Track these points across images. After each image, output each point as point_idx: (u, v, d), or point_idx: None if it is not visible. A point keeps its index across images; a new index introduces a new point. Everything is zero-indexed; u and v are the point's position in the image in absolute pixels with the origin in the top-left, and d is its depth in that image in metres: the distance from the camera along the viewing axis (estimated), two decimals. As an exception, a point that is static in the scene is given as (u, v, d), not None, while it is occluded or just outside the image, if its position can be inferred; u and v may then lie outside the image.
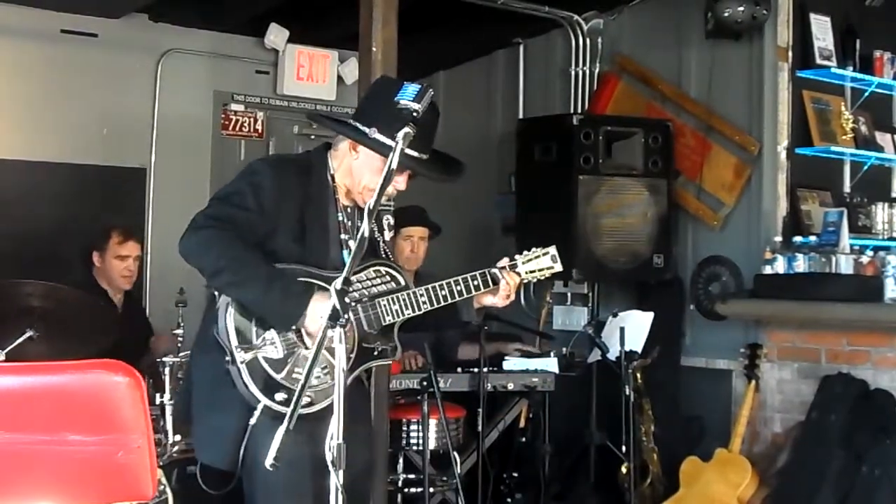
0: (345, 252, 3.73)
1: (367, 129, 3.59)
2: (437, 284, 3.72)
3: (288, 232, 3.64)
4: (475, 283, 3.73)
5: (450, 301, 3.73)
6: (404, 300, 3.71)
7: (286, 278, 3.56)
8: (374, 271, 3.75)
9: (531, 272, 3.84)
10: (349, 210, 3.80)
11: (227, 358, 3.54)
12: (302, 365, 3.48)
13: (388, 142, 3.47)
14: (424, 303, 3.72)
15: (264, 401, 3.49)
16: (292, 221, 3.64)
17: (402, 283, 3.78)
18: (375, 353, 3.76)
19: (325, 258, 3.69)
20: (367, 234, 2.89)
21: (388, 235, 3.91)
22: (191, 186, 7.41)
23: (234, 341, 3.54)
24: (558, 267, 3.88)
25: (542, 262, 3.85)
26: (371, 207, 2.95)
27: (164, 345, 5.85)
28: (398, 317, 3.72)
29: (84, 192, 6.90)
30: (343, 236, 3.76)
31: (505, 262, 3.81)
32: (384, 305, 3.71)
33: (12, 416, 2.70)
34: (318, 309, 3.46)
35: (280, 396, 3.51)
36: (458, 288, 3.72)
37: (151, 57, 7.34)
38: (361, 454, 3.76)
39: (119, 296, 6.08)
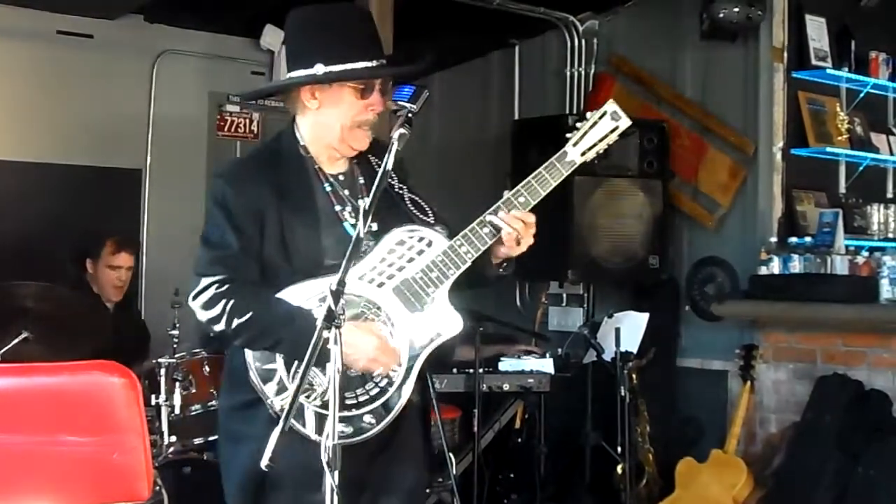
0: (346, 224, 3.25)
1: (310, 71, 3.26)
2: (470, 227, 3.21)
3: (273, 237, 3.20)
4: (485, 230, 3.21)
5: (494, 238, 3.19)
6: (442, 261, 3.18)
7: (304, 315, 3.09)
8: (397, 244, 3.22)
9: (592, 147, 3.29)
10: (341, 177, 3.34)
11: (270, 412, 3.10)
12: (353, 388, 3.12)
13: (339, 67, 3.21)
14: (467, 252, 3.19)
15: (321, 440, 2.85)
16: (274, 223, 3.20)
17: (434, 240, 3.22)
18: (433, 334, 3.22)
19: (317, 249, 3.21)
20: (362, 236, 2.81)
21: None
22: (186, 188, 7.41)
23: (268, 390, 3.12)
24: (625, 122, 3.28)
25: (601, 128, 3.28)
26: (367, 208, 2.85)
27: None
28: (441, 283, 3.18)
29: (79, 194, 6.90)
30: (338, 208, 3.27)
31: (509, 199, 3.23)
32: (420, 279, 3.18)
33: (8, 417, 2.69)
34: (348, 338, 2.96)
35: (342, 428, 3.05)
36: (486, 230, 3.21)
37: (147, 58, 7.33)
38: (408, 475, 3.36)
39: (111, 303, 6.08)
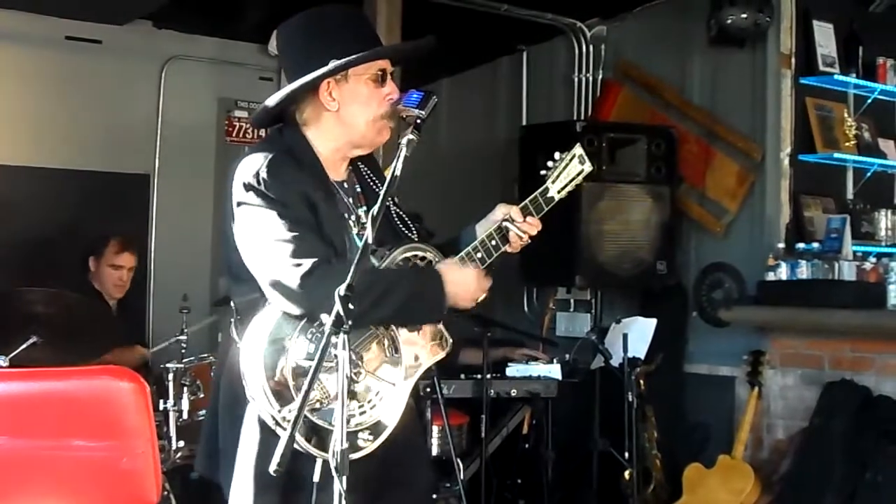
0: (353, 231, 3.23)
1: (323, 70, 3.16)
2: (467, 249, 3.26)
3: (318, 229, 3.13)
4: (493, 242, 3.30)
5: (488, 262, 3.26)
6: None
7: (405, 270, 3.16)
8: (401, 262, 3.20)
9: (564, 188, 3.37)
10: (345, 185, 3.30)
11: (272, 425, 2.96)
12: (362, 400, 3.08)
13: (351, 58, 3.15)
14: None
15: (324, 456, 2.87)
16: (316, 216, 3.13)
17: (434, 259, 3.26)
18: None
19: (345, 253, 3.15)
20: (371, 242, 2.75)
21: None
22: (194, 193, 7.43)
23: (273, 405, 2.96)
24: (588, 167, 3.39)
25: (571, 170, 3.36)
26: (375, 215, 2.78)
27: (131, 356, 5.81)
28: None
29: (88, 199, 6.92)
30: (346, 215, 3.24)
31: (507, 211, 3.34)
32: None
33: (18, 422, 2.70)
34: (456, 277, 3.16)
35: (363, 438, 3.06)
36: (493, 242, 3.29)
37: (155, 63, 7.36)
38: (416, 474, 3.39)
39: (113, 301, 6.13)
